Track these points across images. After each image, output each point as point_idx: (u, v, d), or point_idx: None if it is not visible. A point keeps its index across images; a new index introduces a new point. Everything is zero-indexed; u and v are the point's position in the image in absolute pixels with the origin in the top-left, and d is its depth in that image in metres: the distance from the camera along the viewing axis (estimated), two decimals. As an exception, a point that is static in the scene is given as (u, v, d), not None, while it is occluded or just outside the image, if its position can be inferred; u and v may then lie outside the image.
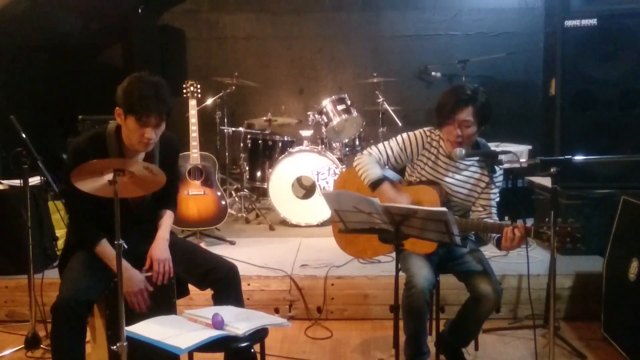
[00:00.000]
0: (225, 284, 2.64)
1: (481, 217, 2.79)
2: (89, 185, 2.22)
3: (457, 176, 2.82)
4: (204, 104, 5.34)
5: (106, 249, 2.56)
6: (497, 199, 2.82)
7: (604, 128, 3.96)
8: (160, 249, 2.64)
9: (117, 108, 2.48)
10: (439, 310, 3.05)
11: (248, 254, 4.12)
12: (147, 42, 6.05)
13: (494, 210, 2.81)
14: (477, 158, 2.79)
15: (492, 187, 2.78)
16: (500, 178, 2.83)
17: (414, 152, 2.85)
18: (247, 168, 5.46)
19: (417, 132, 2.87)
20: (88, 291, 2.41)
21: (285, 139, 5.43)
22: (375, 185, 2.78)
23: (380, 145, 2.90)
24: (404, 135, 2.88)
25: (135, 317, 2.29)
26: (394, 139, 2.90)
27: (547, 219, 2.38)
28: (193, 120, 4.42)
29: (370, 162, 2.85)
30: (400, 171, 3.03)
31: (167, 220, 2.76)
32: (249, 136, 5.45)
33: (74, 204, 2.60)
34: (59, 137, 5.09)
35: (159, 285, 2.60)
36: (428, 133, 2.85)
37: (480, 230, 2.71)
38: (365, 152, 2.92)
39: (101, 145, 2.55)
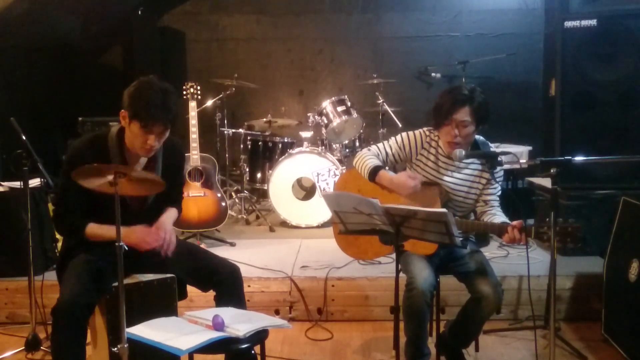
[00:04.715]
0: (227, 286, 2.64)
1: (485, 211, 2.80)
2: (89, 184, 2.23)
3: (457, 175, 2.83)
4: (204, 106, 5.34)
5: (97, 228, 2.53)
6: (499, 193, 2.83)
7: (604, 129, 3.95)
8: (166, 223, 2.64)
9: (122, 110, 2.47)
10: (439, 311, 3.05)
11: (248, 255, 4.11)
12: (147, 43, 6.06)
13: (496, 203, 2.82)
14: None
15: (493, 182, 2.80)
16: (501, 173, 2.84)
17: (413, 151, 2.86)
18: (247, 169, 5.46)
19: (416, 131, 2.88)
20: (88, 294, 2.40)
21: (285, 140, 5.43)
22: (374, 172, 2.78)
23: (379, 144, 2.93)
24: (403, 134, 2.89)
25: (135, 318, 2.29)
26: (393, 138, 2.92)
27: (547, 219, 2.38)
28: (193, 121, 4.42)
29: (369, 155, 2.87)
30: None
31: (170, 212, 2.76)
32: (249, 137, 5.45)
33: (66, 199, 2.55)
34: (59, 139, 5.10)
35: (164, 256, 2.59)
36: (427, 133, 2.87)
37: (481, 230, 2.71)
38: (364, 149, 2.94)
39: (102, 148, 2.53)
